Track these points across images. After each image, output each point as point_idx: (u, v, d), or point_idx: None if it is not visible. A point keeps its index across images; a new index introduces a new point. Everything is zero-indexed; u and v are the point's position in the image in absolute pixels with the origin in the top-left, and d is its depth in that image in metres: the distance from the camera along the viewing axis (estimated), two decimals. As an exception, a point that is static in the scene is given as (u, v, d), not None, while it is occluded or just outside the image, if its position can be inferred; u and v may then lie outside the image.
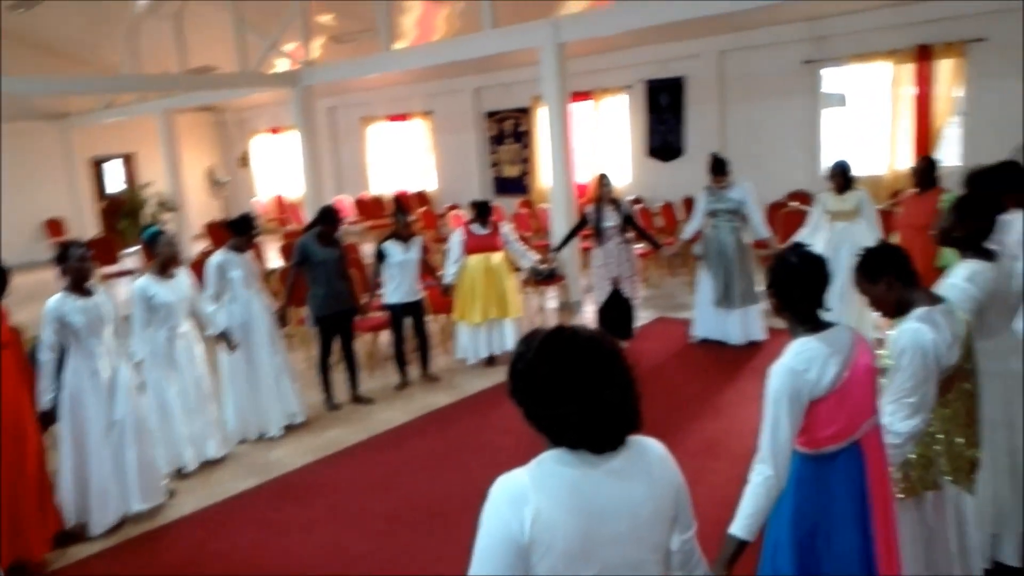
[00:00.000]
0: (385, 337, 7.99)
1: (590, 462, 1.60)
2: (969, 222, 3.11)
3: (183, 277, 5.29)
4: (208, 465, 5.44)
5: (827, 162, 10.01)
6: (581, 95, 12.49)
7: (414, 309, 6.70)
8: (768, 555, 2.50)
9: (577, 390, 1.57)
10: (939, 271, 3.97)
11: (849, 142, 10.59)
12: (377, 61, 11.17)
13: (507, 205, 12.34)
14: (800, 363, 2.32)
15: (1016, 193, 3.89)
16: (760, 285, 7.43)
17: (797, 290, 2.39)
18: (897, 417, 2.56)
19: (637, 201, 11.57)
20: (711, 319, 7.25)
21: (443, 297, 7.18)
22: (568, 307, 9.04)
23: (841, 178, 6.59)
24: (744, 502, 2.32)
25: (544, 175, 13.90)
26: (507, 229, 7.21)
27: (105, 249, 12.38)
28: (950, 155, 9.64)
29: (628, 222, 7.21)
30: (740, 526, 2.30)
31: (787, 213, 9.41)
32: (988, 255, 3.11)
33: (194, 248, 13.56)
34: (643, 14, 8.10)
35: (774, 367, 2.36)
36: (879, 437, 2.45)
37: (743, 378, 6.37)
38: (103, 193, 18.24)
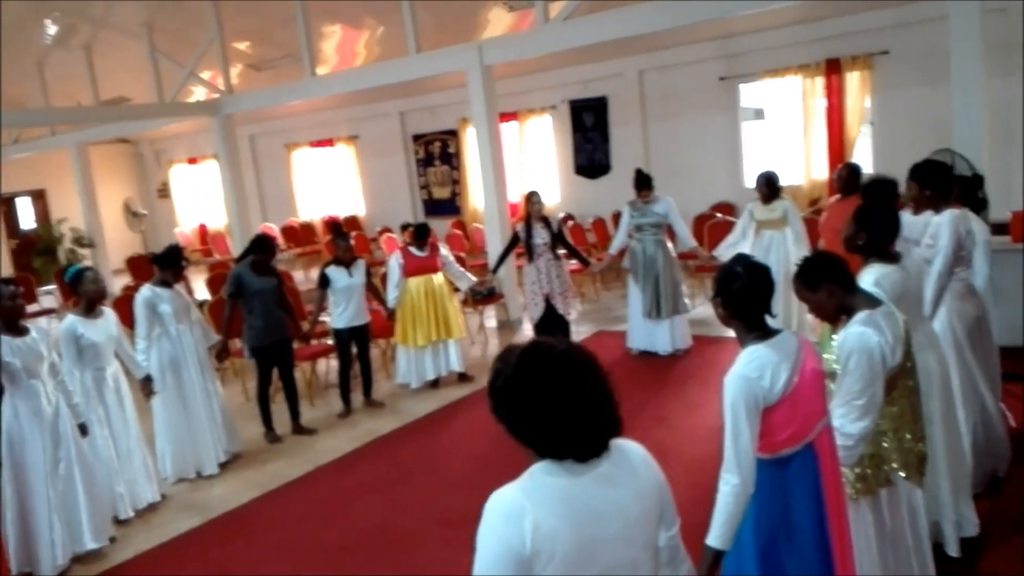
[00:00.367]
0: (323, 365, 7.88)
1: (577, 471, 1.64)
2: (870, 230, 3.26)
3: (110, 316, 5.11)
4: (146, 510, 5.22)
5: (749, 174, 10.40)
6: (506, 116, 12.61)
7: (360, 333, 6.63)
8: (732, 559, 2.55)
9: (559, 402, 1.60)
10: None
11: (769, 154, 10.97)
12: (302, 87, 11.06)
13: (439, 226, 12.33)
14: (752, 371, 2.37)
15: (936, 191, 4.11)
16: (687, 296, 7.64)
17: (744, 299, 2.44)
18: (848, 419, 2.64)
19: (569, 218, 11.73)
20: (642, 330, 7.40)
21: (387, 321, 7.12)
22: (508, 325, 9.08)
23: (767, 188, 6.82)
24: (716, 512, 2.37)
25: (475, 196, 13.97)
26: (445, 251, 7.22)
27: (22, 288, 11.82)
28: (863, 162, 10.06)
29: (558, 239, 7.30)
30: (714, 536, 2.34)
31: (713, 224, 9.69)
32: (892, 258, 3.27)
33: (116, 284, 13.08)
34: (565, 36, 8.26)
35: (728, 377, 2.40)
36: (830, 438, 2.53)
37: (683, 386, 6.51)
38: (15, 231, 17.46)
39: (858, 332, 2.68)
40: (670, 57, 11.47)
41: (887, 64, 9.84)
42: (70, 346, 4.84)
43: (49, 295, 12.49)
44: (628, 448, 1.75)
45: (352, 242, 6.84)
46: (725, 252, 7.06)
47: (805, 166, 10.67)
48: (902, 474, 2.82)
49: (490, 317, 9.38)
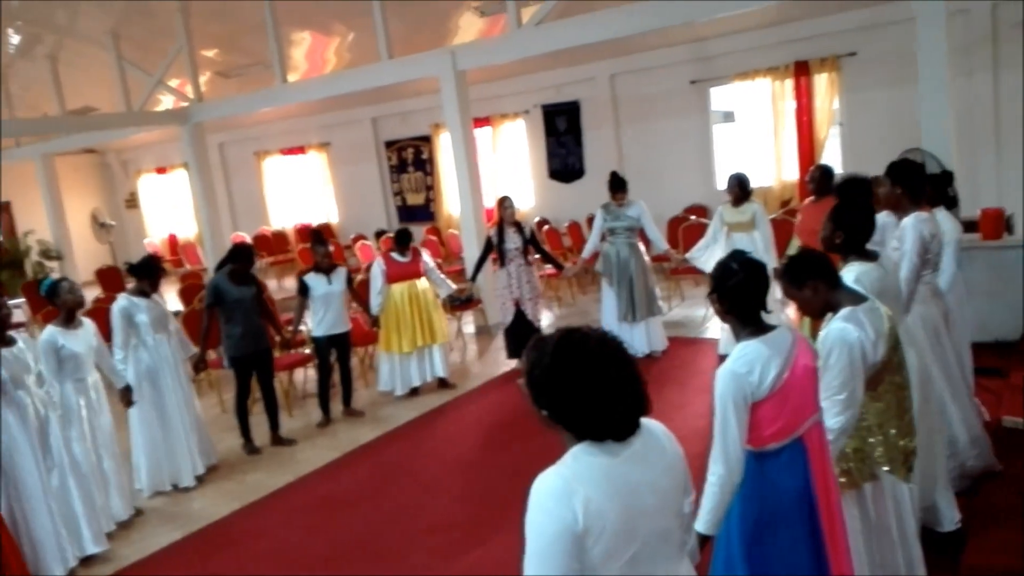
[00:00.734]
0: (301, 375, 7.82)
1: (615, 450, 1.74)
2: (847, 229, 3.31)
3: (89, 326, 5.07)
4: (124, 524, 5.14)
5: (721, 176, 10.48)
6: (480, 121, 12.61)
7: (340, 341, 6.58)
8: (721, 555, 2.59)
9: (598, 385, 1.70)
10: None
11: (740, 156, 11.08)
12: (273, 94, 10.98)
13: (414, 233, 12.24)
14: (742, 366, 2.43)
15: (907, 191, 4.17)
16: (661, 298, 7.68)
17: (740, 295, 2.50)
18: (829, 414, 2.67)
19: (544, 222, 11.76)
20: (617, 334, 7.39)
21: (368, 329, 7.08)
22: (486, 331, 9.07)
23: (738, 189, 6.87)
24: (703, 499, 2.43)
25: (450, 202, 13.95)
26: (427, 256, 7.20)
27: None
28: (832, 163, 10.22)
29: (531, 243, 7.32)
30: (702, 522, 2.41)
31: (687, 226, 9.77)
32: (870, 256, 3.32)
33: (86, 296, 12.84)
34: (538, 41, 8.29)
35: (719, 372, 2.47)
36: (821, 434, 2.57)
37: (662, 388, 6.53)
38: (-21, 244, 17.09)
39: (839, 328, 2.73)
40: (642, 61, 11.56)
41: (855, 66, 10.00)
42: (50, 357, 4.80)
43: (17, 308, 12.24)
44: (652, 425, 1.86)
45: (331, 249, 6.80)
46: (698, 256, 7.12)
47: (776, 168, 10.79)
48: (886, 468, 2.86)
49: (468, 323, 9.36)
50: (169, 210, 18.08)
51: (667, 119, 11.69)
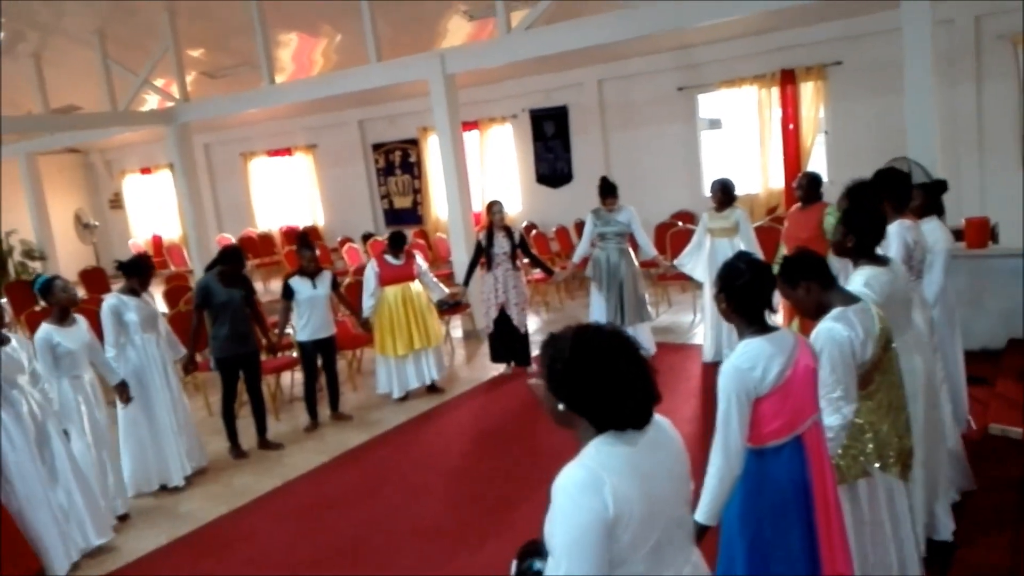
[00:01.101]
0: (288, 378, 7.78)
1: (633, 439, 1.80)
2: (857, 233, 3.35)
3: (83, 323, 5.09)
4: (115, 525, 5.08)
5: (708, 183, 10.49)
6: (468, 125, 12.61)
7: (325, 346, 6.55)
8: (724, 556, 2.63)
9: (618, 376, 1.77)
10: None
11: (726, 163, 11.14)
12: (260, 95, 10.93)
13: (400, 236, 12.25)
14: (745, 362, 2.50)
15: (891, 200, 4.21)
16: (650, 304, 7.70)
17: (747, 294, 2.56)
18: (826, 413, 2.74)
19: (532, 227, 11.77)
20: None
21: (357, 332, 7.05)
22: (475, 335, 9.06)
23: (721, 194, 6.89)
24: (703, 491, 2.49)
25: (437, 205, 13.94)
26: (421, 259, 7.20)
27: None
28: (819, 171, 10.29)
29: (520, 248, 7.32)
30: (701, 513, 2.48)
31: (675, 232, 9.81)
32: (880, 260, 3.36)
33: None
34: (527, 46, 8.31)
35: (723, 367, 2.53)
36: (820, 433, 2.64)
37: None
38: (-40, 244, 16.88)
39: (828, 327, 2.81)
40: (629, 67, 11.61)
41: (840, 74, 10.09)
42: (46, 355, 4.83)
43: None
44: (656, 416, 1.91)
45: (317, 252, 6.78)
46: (685, 262, 7.15)
47: (762, 175, 10.86)
48: (877, 465, 2.91)
49: (456, 327, 9.36)
50: (154, 211, 17.94)
51: (654, 125, 11.74)
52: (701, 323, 7.97)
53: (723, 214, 6.88)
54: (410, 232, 13.15)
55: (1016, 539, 3.69)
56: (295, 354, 6.97)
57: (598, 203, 7.31)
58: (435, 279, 7.30)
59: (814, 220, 5.93)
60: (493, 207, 7.31)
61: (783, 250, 6.13)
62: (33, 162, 14.32)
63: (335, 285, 6.65)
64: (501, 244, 7.22)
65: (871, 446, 2.90)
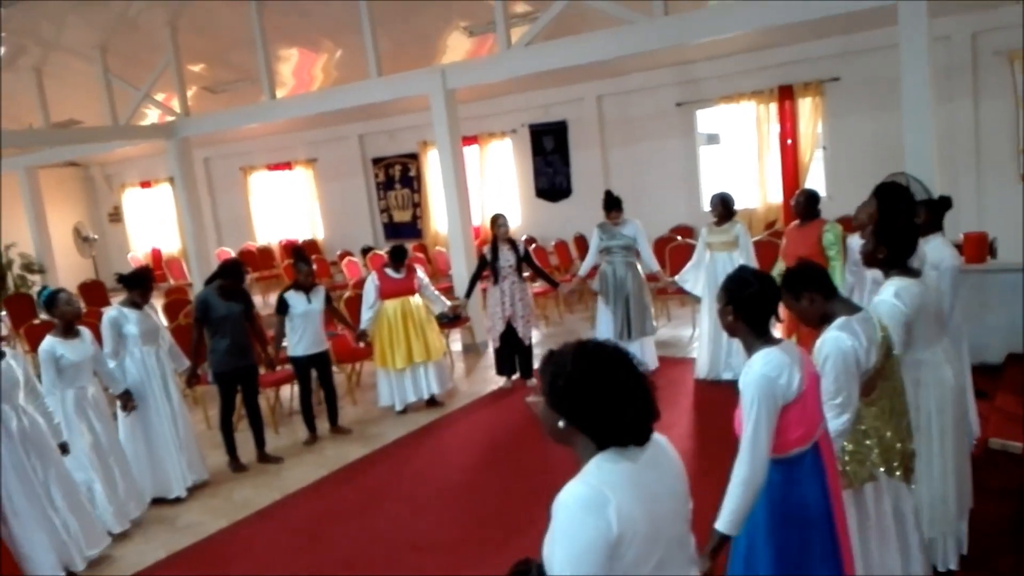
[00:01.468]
0: (287, 392, 7.77)
1: (635, 456, 1.78)
2: (890, 245, 3.37)
3: (87, 335, 5.12)
4: (116, 537, 5.08)
5: (706, 198, 10.54)
6: (467, 140, 12.65)
7: (320, 360, 6.55)
8: (740, 557, 2.63)
9: (620, 391, 1.76)
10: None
11: (725, 178, 11.18)
12: (261, 110, 10.98)
13: (400, 250, 12.26)
14: (772, 370, 2.50)
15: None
16: (654, 318, 7.70)
17: (755, 305, 2.58)
18: (828, 417, 2.76)
19: (531, 241, 11.80)
20: None
21: (353, 345, 7.05)
22: (474, 348, 9.06)
23: (721, 208, 6.90)
24: (726, 500, 2.48)
25: (437, 219, 13.97)
26: (422, 273, 7.21)
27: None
28: (816, 187, 10.34)
29: (525, 261, 7.34)
30: (723, 522, 2.45)
31: (675, 246, 9.84)
32: (911, 272, 3.37)
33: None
34: (527, 61, 8.37)
35: (748, 377, 2.52)
36: (830, 440, 2.68)
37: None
38: (-42, 257, 16.87)
39: (833, 337, 2.84)
40: (628, 83, 11.68)
41: (838, 90, 10.15)
42: (49, 366, 4.87)
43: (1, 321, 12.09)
44: (654, 435, 1.89)
45: (314, 267, 6.79)
46: (687, 278, 7.16)
47: (760, 190, 10.91)
48: (882, 469, 2.94)
49: (455, 340, 9.35)
50: (153, 225, 17.96)
51: (653, 140, 11.80)
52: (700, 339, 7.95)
53: (723, 228, 6.90)
54: (409, 246, 13.19)
55: (1017, 556, 3.68)
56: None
57: (600, 217, 7.33)
58: (436, 292, 7.31)
59: (812, 237, 5.95)
60: (497, 220, 7.33)
61: (781, 265, 6.13)
62: (33, 175, 14.35)
63: (329, 300, 6.65)
64: (506, 257, 7.24)
65: (876, 451, 2.94)
